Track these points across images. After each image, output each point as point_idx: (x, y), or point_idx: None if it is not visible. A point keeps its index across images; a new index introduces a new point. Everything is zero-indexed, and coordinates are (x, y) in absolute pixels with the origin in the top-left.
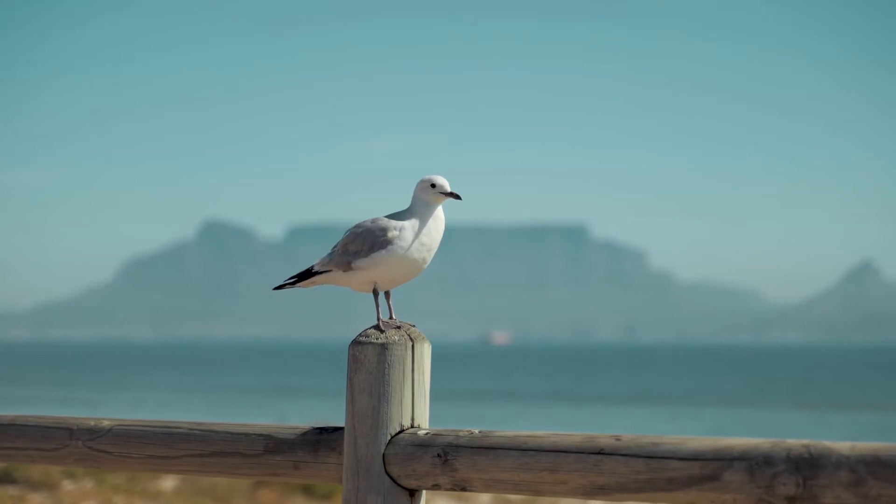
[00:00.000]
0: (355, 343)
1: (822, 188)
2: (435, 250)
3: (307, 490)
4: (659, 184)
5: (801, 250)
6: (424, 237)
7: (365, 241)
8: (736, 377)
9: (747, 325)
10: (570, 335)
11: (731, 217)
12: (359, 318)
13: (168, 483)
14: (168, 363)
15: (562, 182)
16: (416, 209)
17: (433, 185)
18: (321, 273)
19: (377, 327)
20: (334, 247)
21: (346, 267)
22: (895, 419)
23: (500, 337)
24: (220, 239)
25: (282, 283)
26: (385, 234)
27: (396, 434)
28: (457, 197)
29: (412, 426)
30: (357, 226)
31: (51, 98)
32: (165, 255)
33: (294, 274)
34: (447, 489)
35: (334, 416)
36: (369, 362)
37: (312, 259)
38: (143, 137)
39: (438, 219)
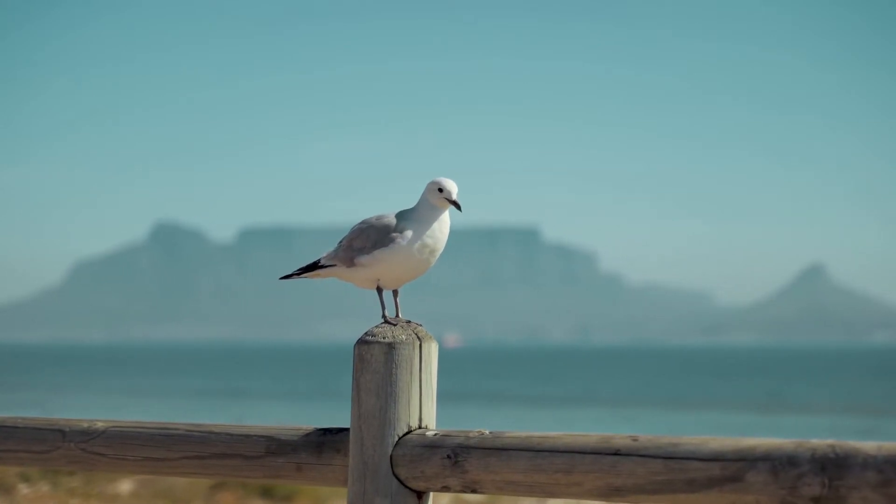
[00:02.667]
0: (361, 342)
1: (775, 190)
2: (439, 252)
3: (267, 492)
4: (609, 185)
5: (752, 252)
6: (428, 238)
7: (369, 238)
8: (687, 378)
9: (699, 326)
10: (523, 337)
11: (682, 219)
12: (317, 320)
13: (125, 486)
14: (120, 365)
15: (515, 184)
16: (423, 210)
17: (440, 190)
18: (326, 267)
19: (386, 321)
20: (340, 241)
21: (350, 263)
22: (852, 422)
23: (451, 339)
24: (171, 241)
25: (288, 273)
26: (389, 232)
27: (404, 435)
28: (458, 207)
29: (420, 427)
30: (363, 222)
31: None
32: (117, 257)
33: (303, 266)
34: (457, 491)
35: (293, 418)
36: (376, 362)
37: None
38: (92, 139)
39: (443, 221)
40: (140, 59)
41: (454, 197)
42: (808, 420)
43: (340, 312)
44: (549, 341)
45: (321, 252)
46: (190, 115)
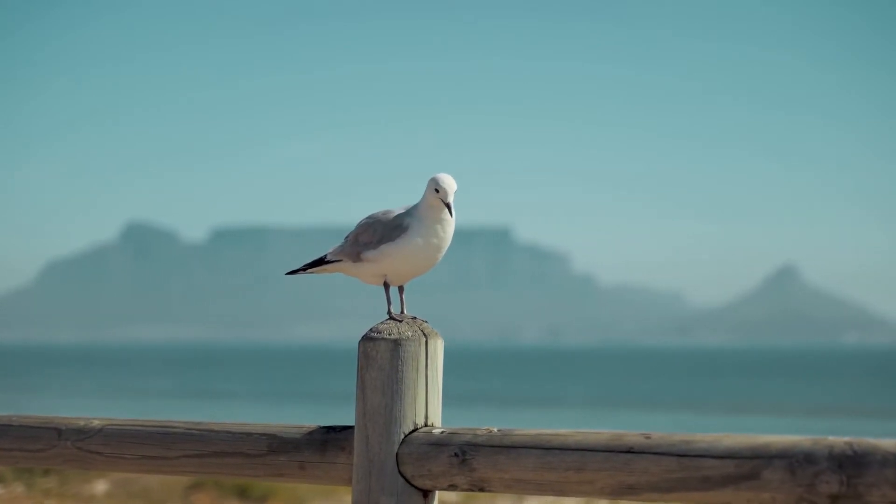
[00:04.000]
0: (366, 339)
1: (746, 191)
2: (445, 248)
3: (242, 493)
4: (581, 186)
5: (724, 253)
6: (433, 235)
7: (375, 233)
8: (659, 379)
9: (671, 327)
10: (494, 338)
11: (654, 219)
12: (289, 322)
13: (100, 486)
14: (91, 366)
15: (487, 184)
16: (426, 205)
17: (437, 189)
18: (332, 262)
19: (391, 317)
20: (347, 236)
21: (356, 258)
22: (824, 423)
23: None
24: (143, 241)
25: (295, 269)
26: (395, 227)
27: (410, 433)
28: (450, 211)
29: (426, 425)
30: (369, 217)
31: None
32: (88, 258)
33: (309, 261)
34: (464, 489)
35: (265, 419)
36: (381, 358)
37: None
38: (63, 140)
39: (447, 221)
40: (114, 61)
41: (448, 199)
42: (780, 422)
43: (313, 314)
44: (521, 342)
45: (294, 253)
46: (162, 115)
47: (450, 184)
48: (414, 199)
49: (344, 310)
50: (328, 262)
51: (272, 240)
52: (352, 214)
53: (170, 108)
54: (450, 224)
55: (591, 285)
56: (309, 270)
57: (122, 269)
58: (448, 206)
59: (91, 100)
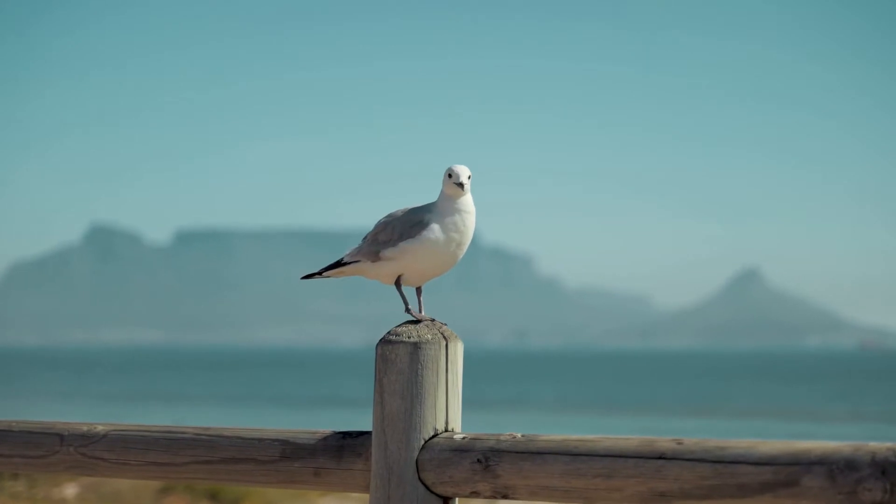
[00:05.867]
0: (385, 342)
1: (711, 194)
2: (466, 245)
3: (214, 496)
4: (547, 188)
5: (689, 256)
6: (453, 231)
7: (394, 231)
8: (624, 382)
9: (635, 330)
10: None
11: (620, 222)
12: (254, 325)
13: (70, 490)
14: (53, 368)
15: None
16: (443, 201)
17: (450, 175)
18: (350, 263)
19: (410, 313)
20: (365, 237)
21: (375, 257)
22: (787, 425)
23: None
24: (106, 243)
25: (310, 272)
26: (415, 224)
27: (430, 438)
28: (461, 188)
29: (446, 430)
30: (388, 215)
31: None
32: (52, 259)
33: (325, 265)
34: (487, 496)
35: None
36: (401, 362)
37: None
38: (27, 140)
39: (466, 213)
40: (76, 64)
41: (461, 180)
42: (745, 424)
43: (278, 317)
44: (487, 344)
45: (257, 255)
46: (127, 118)
47: (462, 169)
48: (382, 204)
49: (310, 313)
50: (346, 264)
51: (236, 242)
52: (315, 217)
53: (134, 111)
54: (470, 215)
55: (557, 288)
56: (326, 273)
57: (86, 271)
58: (460, 184)
59: (55, 103)
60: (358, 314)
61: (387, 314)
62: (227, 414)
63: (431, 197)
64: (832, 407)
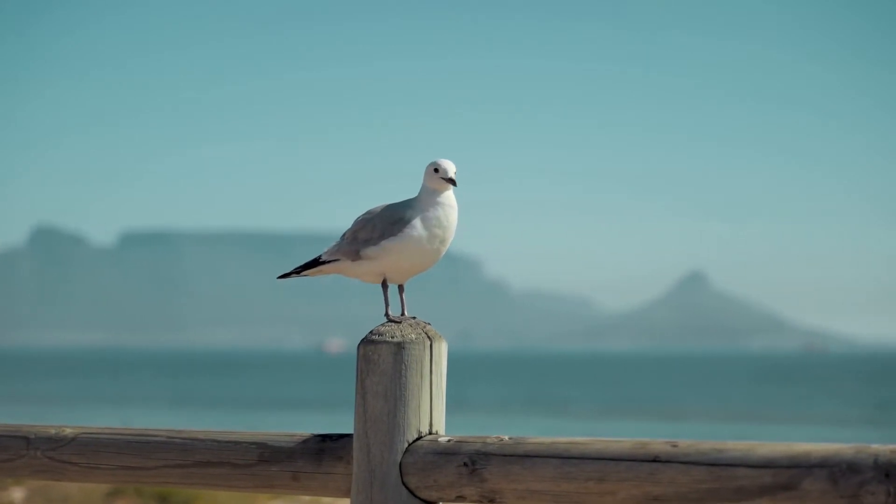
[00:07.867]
0: (367, 342)
1: (655, 197)
2: (450, 241)
3: (164, 500)
4: (494, 190)
5: (633, 258)
6: (436, 226)
7: (375, 229)
8: (568, 384)
9: (580, 332)
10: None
11: (565, 225)
12: (200, 326)
13: (17, 494)
14: None
15: (399, 188)
16: (425, 197)
17: (436, 170)
18: (329, 262)
19: (390, 320)
20: (343, 234)
21: (355, 256)
22: (731, 427)
23: (335, 344)
24: (50, 245)
25: (287, 272)
26: (396, 221)
27: (414, 441)
28: (452, 183)
29: (430, 433)
30: (367, 212)
31: None
32: None
33: (301, 263)
34: (473, 500)
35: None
36: (384, 363)
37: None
38: None
39: (449, 207)
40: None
41: (450, 174)
42: (686, 426)
43: (223, 319)
44: None
45: (203, 257)
46: (70, 118)
47: (450, 164)
48: (327, 208)
49: (255, 315)
50: (324, 263)
51: (181, 244)
52: (262, 219)
53: (78, 111)
54: (453, 210)
55: (503, 290)
56: (303, 273)
57: (29, 273)
58: (451, 180)
59: (54, 103)
60: (302, 316)
61: (333, 316)
62: (175, 416)
63: (410, 195)
64: (783, 409)
